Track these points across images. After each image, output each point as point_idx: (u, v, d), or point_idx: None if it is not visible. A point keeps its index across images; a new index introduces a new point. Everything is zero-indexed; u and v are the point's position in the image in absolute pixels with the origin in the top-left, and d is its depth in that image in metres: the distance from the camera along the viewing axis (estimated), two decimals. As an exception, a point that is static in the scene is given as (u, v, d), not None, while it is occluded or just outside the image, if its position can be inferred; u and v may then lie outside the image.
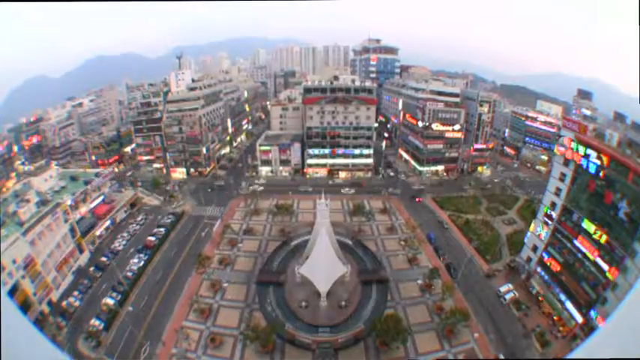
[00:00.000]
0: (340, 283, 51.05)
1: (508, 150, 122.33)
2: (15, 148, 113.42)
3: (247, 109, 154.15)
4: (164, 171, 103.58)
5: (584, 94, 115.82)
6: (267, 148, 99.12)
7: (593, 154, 42.66)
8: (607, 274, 40.05)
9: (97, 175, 76.64)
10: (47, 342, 4.74)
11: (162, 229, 69.36)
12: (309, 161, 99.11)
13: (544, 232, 52.19)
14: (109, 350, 43.66)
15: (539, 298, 51.07)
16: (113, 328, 46.78)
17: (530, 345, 44.46)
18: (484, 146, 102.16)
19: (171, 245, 66.03)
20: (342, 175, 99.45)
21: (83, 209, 67.03)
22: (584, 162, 44.14)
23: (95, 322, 46.54)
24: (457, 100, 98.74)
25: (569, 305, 45.82)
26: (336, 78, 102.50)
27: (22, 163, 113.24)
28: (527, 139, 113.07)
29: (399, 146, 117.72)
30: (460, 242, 67.08)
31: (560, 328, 45.97)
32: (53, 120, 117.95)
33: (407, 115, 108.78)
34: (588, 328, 42.22)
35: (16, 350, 3.31)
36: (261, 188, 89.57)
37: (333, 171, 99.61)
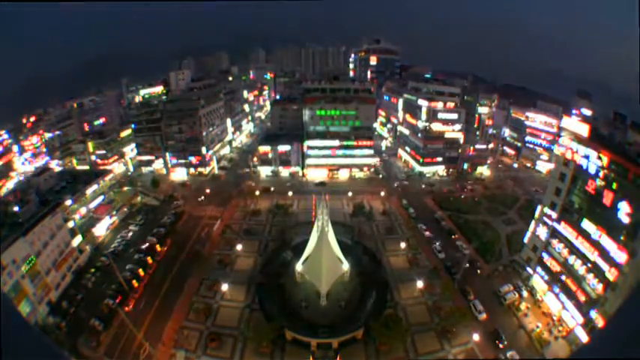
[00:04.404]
0: (340, 283, 51.09)
1: (508, 150, 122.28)
2: (15, 148, 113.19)
3: (247, 109, 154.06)
4: (164, 171, 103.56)
5: (584, 94, 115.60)
6: (267, 148, 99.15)
7: (593, 154, 42.70)
8: (607, 274, 40.07)
9: (97, 175, 76.69)
10: (47, 342, 4.74)
11: (162, 229, 69.39)
12: (309, 161, 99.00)
13: (544, 232, 52.20)
14: (108, 351, 43.63)
15: (539, 298, 51.13)
16: (112, 328, 46.77)
17: (530, 345, 44.48)
18: (484, 146, 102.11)
19: (171, 245, 65.99)
20: (344, 176, 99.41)
21: (83, 209, 67.09)
22: (583, 162, 44.18)
23: (95, 322, 46.50)
24: (457, 100, 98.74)
25: (569, 305, 45.85)
26: (335, 78, 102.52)
27: (22, 163, 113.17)
28: (527, 139, 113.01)
29: (398, 146, 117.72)
30: (460, 242, 67.02)
31: (560, 328, 46.02)
32: (53, 120, 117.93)
33: (407, 115, 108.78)
34: (588, 328, 42.24)
35: (16, 350, 3.31)
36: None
37: (333, 171, 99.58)
